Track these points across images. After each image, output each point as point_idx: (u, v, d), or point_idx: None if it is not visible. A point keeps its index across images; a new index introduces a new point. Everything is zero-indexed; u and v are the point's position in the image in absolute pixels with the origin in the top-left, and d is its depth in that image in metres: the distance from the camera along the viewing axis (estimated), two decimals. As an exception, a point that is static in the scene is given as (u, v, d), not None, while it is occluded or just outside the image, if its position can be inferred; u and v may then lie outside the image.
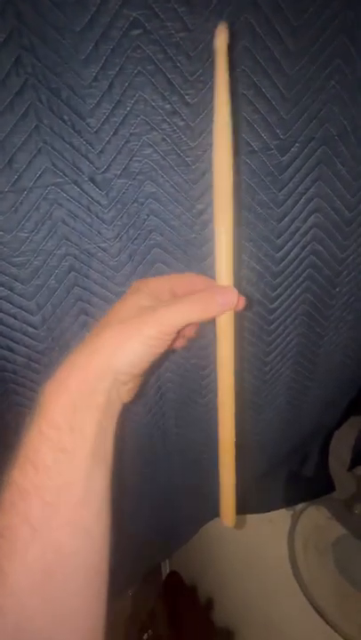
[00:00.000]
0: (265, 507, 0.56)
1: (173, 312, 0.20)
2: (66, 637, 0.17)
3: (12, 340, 0.28)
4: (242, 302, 0.22)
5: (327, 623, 0.45)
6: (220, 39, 0.19)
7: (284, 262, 0.32)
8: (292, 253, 0.32)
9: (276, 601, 0.49)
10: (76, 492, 0.18)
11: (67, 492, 0.17)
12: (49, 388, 0.19)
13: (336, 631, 0.44)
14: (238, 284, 0.23)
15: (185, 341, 0.27)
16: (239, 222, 0.29)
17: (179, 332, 0.22)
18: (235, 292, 0.21)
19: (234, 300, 0.21)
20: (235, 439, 0.24)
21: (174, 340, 0.22)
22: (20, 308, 0.27)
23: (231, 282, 0.22)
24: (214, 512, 0.57)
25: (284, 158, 0.28)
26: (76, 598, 0.17)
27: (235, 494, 0.25)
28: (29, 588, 0.16)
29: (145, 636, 0.55)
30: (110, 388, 0.19)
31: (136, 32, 0.22)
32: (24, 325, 0.28)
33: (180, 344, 0.27)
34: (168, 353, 0.24)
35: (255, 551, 0.54)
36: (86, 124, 0.23)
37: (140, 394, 0.24)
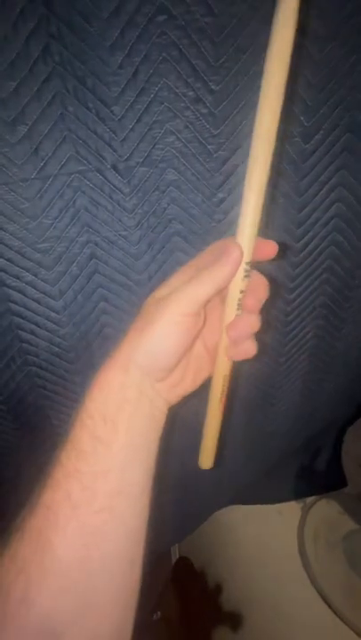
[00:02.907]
0: (275, 498, 0.57)
1: (184, 293, 0.19)
2: (97, 620, 0.18)
3: (35, 324, 0.29)
4: (271, 249, 0.21)
5: (335, 614, 0.45)
6: None
7: (303, 253, 0.32)
8: (312, 244, 0.32)
9: (285, 590, 0.49)
10: (111, 481, 0.19)
11: (103, 480, 0.18)
12: (93, 383, 0.20)
13: (344, 622, 0.44)
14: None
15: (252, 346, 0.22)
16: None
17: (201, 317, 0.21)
18: (237, 247, 0.19)
19: (237, 254, 0.19)
20: (227, 387, 0.23)
21: (203, 326, 0.21)
22: (44, 293, 0.28)
23: (254, 230, 0.20)
24: (225, 499, 0.58)
25: (307, 146, 0.27)
26: (108, 584, 0.18)
27: (217, 440, 0.25)
28: (70, 559, 0.17)
29: (154, 617, 0.57)
30: (140, 383, 0.20)
31: (162, 17, 0.22)
32: (47, 310, 0.29)
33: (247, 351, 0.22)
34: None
35: (264, 541, 0.54)
36: (110, 111, 0.24)
37: (188, 395, 0.23)
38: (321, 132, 0.27)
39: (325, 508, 0.56)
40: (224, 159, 0.26)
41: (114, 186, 0.26)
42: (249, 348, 0.22)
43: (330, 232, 0.31)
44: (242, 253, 0.20)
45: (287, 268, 0.32)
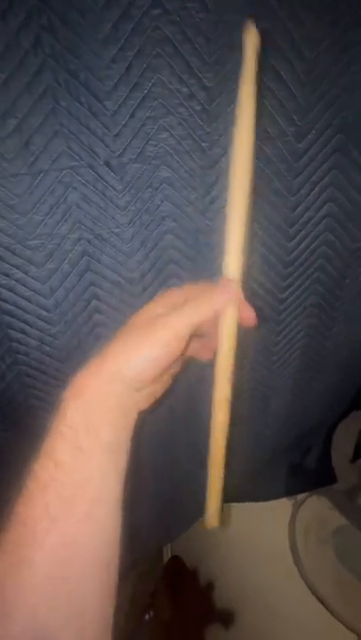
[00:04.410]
0: (266, 495, 0.57)
1: (180, 316, 0.21)
2: (79, 626, 0.18)
3: (25, 322, 0.29)
4: (251, 317, 0.23)
5: (327, 609, 0.46)
6: (250, 39, 0.19)
7: (295, 252, 0.32)
8: (304, 243, 0.32)
9: (276, 587, 0.50)
10: (91, 489, 0.19)
11: (83, 489, 0.18)
12: (67, 392, 0.20)
13: (335, 617, 0.45)
14: (247, 279, 0.23)
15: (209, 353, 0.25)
16: (253, 216, 0.29)
17: (190, 338, 0.22)
18: (234, 286, 0.21)
19: (233, 293, 0.21)
20: (226, 444, 0.24)
21: (187, 347, 0.22)
22: (34, 291, 0.28)
23: (238, 275, 0.22)
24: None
25: (300, 145, 0.27)
26: (90, 590, 0.18)
27: (221, 498, 0.25)
28: (48, 575, 0.17)
29: (146, 617, 0.57)
30: (123, 393, 0.20)
31: (156, 12, 0.21)
32: (37, 308, 0.28)
33: (206, 355, 0.26)
34: (183, 362, 0.24)
35: (256, 538, 0.54)
36: (103, 106, 0.23)
37: (157, 403, 0.24)
38: (313, 131, 0.27)
39: (316, 505, 0.56)
40: (217, 156, 0.26)
41: (106, 182, 0.26)
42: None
43: (322, 231, 0.32)
44: (238, 291, 0.22)
45: (279, 266, 0.32)
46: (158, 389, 0.24)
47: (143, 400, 0.22)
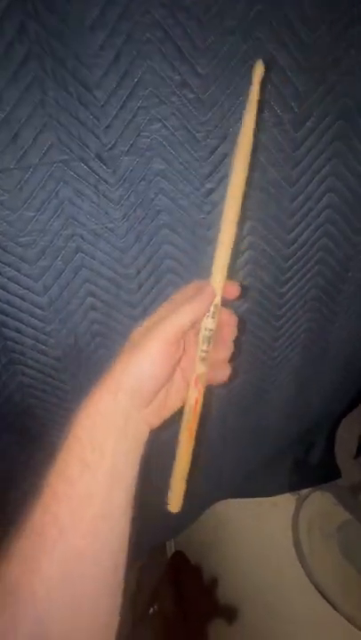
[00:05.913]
0: (270, 491, 0.57)
1: (165, 324, 0.22)
2: (83, 633, 0.18)
3: (19, 321, 0.28)
4: (235, 291, 0.24)
5: (330, 605, 0.46)
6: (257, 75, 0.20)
7: (295, 245, 0.31)
8: (304, 235, 0.31)
9: (280, 581, 0.50)
10: (96, 505, 0.19)
11: (89, 504, 0.19)
12: (81, 407, 0.21)
13: (339, 612, 0.45)
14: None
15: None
16: (250, 208, 0.28)
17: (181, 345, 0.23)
18: (210, 287, 0.23)
19: (210, 292, 0.23)
20: (196, 427, 0.24)
21: (182, 355, 0.23)
22: (27, 289, 0.27)
23: (223, 277, 0.23)
24: (220, 494, 0.58)
25: (298, 134, 0.26)
26: (94, 604, 0.19)
27: (185, 482, 0.25)
28: (56, 581, 0.18)
29: (150, 610, 0.57)
30: (128, 409, 0.21)
31: (145, -5, 0.21)
32: (31, 307, 0.28)
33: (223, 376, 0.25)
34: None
35: (259, 534, 0.54)
36: (93, 96, 0.23)
37: (168, 419, 0.24)
38: (312, 119, 0.26)
39: (319, 500, 0.56)
40: (213, 147, 0.25)
41: (98, 176, 0.25)
42: (223, 375, 0.25)
43: (322, 223, 0.31)
44: (214, 293, 0.23)
45: (279, 260, 0.32)
46: (168, 405, 0.24)
47: (152, 416, 0.23)
